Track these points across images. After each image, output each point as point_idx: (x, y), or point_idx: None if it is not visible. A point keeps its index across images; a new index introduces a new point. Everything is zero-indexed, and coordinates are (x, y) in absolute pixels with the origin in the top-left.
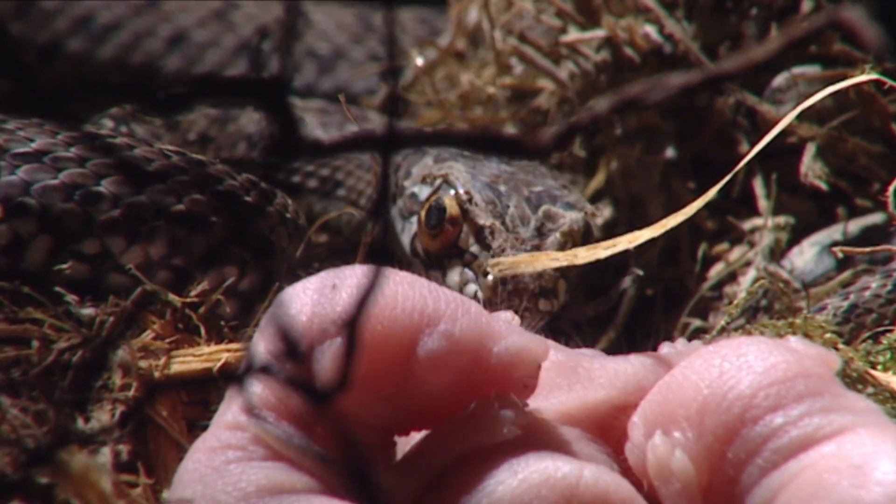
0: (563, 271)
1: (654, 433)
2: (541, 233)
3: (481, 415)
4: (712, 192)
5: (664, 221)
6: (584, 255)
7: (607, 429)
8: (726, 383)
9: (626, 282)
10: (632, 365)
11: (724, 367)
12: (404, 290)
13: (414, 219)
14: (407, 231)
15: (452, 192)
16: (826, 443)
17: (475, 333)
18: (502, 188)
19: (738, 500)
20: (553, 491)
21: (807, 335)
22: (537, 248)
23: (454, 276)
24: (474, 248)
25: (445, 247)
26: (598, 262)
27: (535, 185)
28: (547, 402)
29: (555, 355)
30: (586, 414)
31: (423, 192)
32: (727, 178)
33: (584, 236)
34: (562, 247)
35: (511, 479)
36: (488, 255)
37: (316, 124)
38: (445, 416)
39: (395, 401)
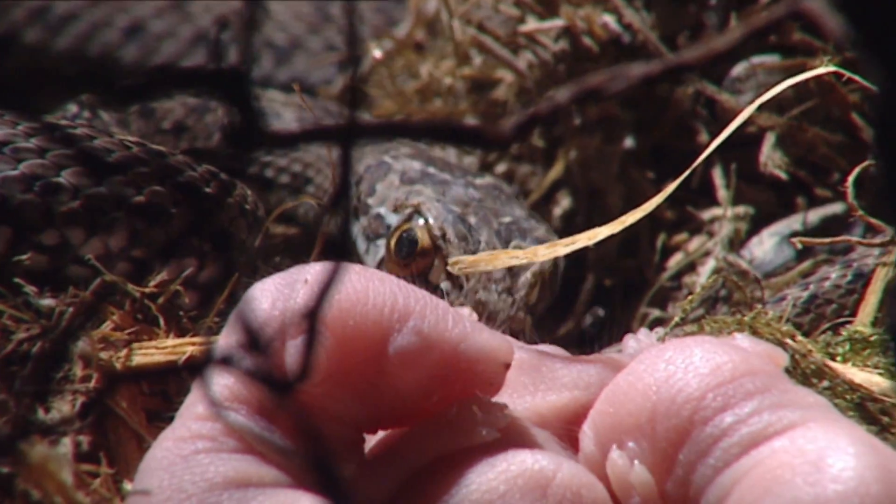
0: (530, 308)
1: (606, 444)
2: (512, 273)
3: (460, 417)
4: (672, 188)
5: (623, 218)
6: (543, 252)
7: (573, 430)
8: (674, 386)
9: (587, 319)
10: (594, 365)
11: (671, 370)
12: (375, 286)
13: (381, 242)
14: (372, 254)
15: (423, 222)
16: (777, 438)
17: (443, 330)
18: (472, 220)
19: (693, 501)
20: (529, 482)
21: (755, 332)
22: (508, 290)
23: None
24: (445, 285)
25: (414, 277)
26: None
27: (504, 216)
28: (513, 402)
29: (518, 354)
30: (554, 415)
31: (391, 218)
32: (686, 173)
33: (551, 274)
34: (532, 287)
35: (489, 471)
36: (459, 295)
37: (293, 119)
38: (414, 413)
39: (367, 397)
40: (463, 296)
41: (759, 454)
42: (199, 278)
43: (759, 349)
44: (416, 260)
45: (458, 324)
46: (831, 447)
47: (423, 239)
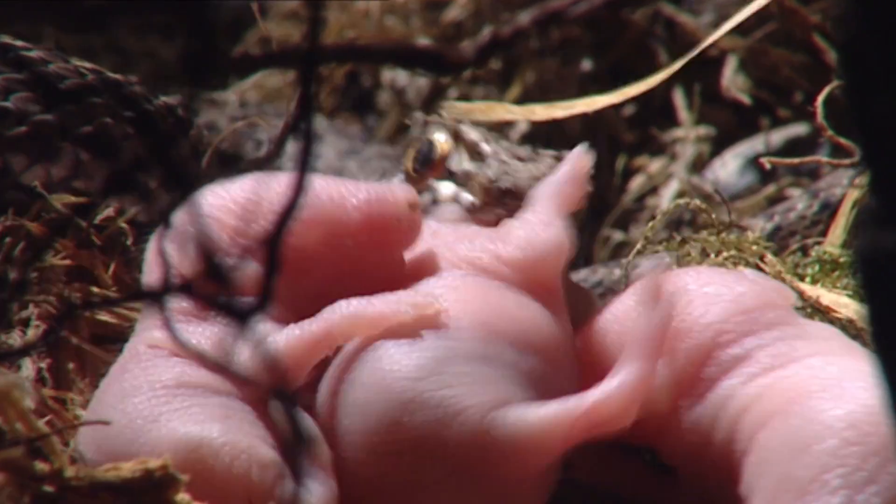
0: None
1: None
2: (533, 157)
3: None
4: (683, 62)
5: (626, 90)
6: (541, 112)
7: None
8: (696, 310)
9: None
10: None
11: (693, 296)
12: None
13: None
14: None
15: (438, 133)
16: (796, 364)
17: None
18: None
19: (709, 416)
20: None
21: (739, 249)
22: (534, 161)
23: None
24: (469, 166)
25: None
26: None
27: None
28: (471, 248)
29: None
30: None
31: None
32: (680, 63)
33: None
34: (552, 167)
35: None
36: (483, 167)
37: None
38: (331, 283)
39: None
40: (487, 166)
41: (779, 376)
42: (140, 217)
43: (771, 285)
44: (434, 168)
45: (344, 183)
46: (851, 370)
47: (441, 143)
